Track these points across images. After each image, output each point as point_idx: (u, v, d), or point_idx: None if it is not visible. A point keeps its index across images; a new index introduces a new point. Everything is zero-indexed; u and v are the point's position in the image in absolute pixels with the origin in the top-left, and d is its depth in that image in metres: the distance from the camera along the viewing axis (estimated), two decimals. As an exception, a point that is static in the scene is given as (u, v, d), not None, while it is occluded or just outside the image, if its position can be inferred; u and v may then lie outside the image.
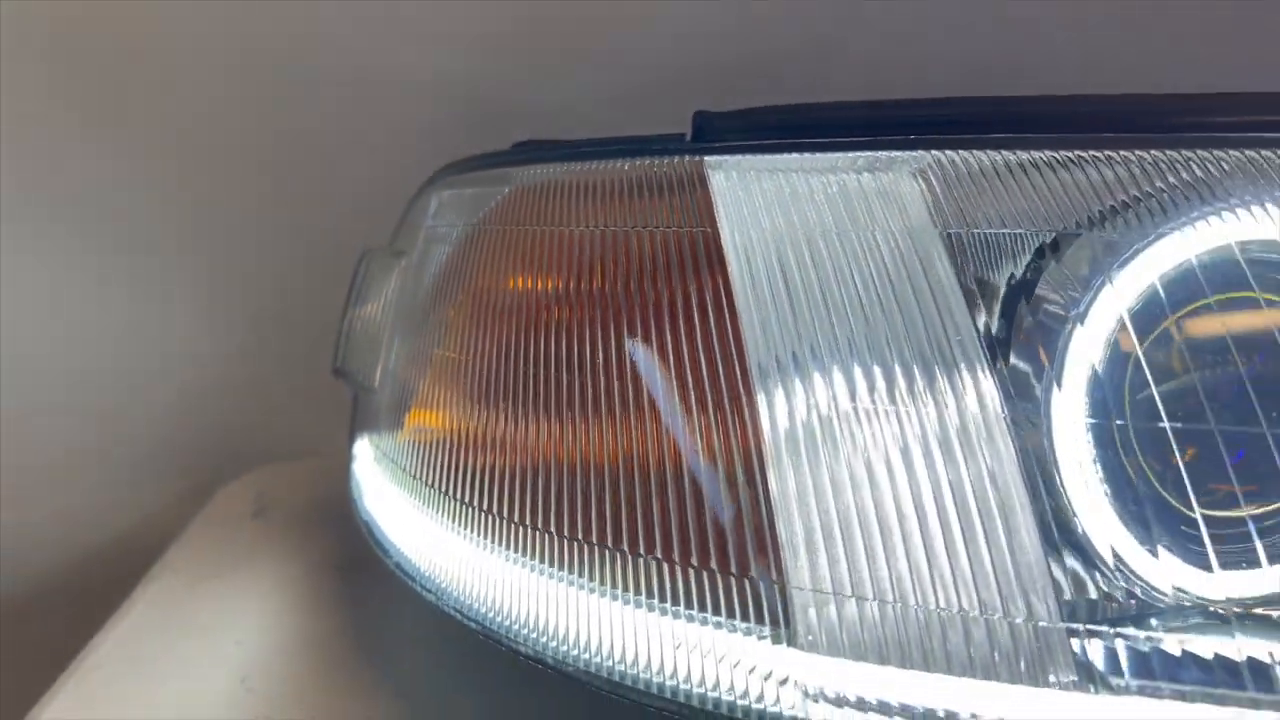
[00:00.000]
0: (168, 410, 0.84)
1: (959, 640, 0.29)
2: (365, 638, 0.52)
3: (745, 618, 0.31)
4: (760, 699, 0.31)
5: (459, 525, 0.41)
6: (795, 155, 0.38)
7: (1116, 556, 0.31)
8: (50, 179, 0.76)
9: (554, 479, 0.37)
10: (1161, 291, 0.32)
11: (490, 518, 0.39)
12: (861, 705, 0.30)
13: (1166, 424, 0.31)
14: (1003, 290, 0.34)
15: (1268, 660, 0.29)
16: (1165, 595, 0.29)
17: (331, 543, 0.62)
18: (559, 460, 0.37)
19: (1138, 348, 0.31)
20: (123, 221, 0.79)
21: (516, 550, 0.38)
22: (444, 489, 0.42)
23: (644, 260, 0.39)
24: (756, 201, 0.38)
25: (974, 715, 0.28)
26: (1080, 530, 0.32)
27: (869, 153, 0.37)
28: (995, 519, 0.30)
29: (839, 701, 0.30)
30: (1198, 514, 0.29)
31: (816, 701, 0.30)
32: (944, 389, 0.32)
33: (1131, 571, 0.31)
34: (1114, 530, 0.32)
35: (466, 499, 0.40)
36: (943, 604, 0.30)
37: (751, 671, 0.31)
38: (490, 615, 0.38)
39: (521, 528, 0.37)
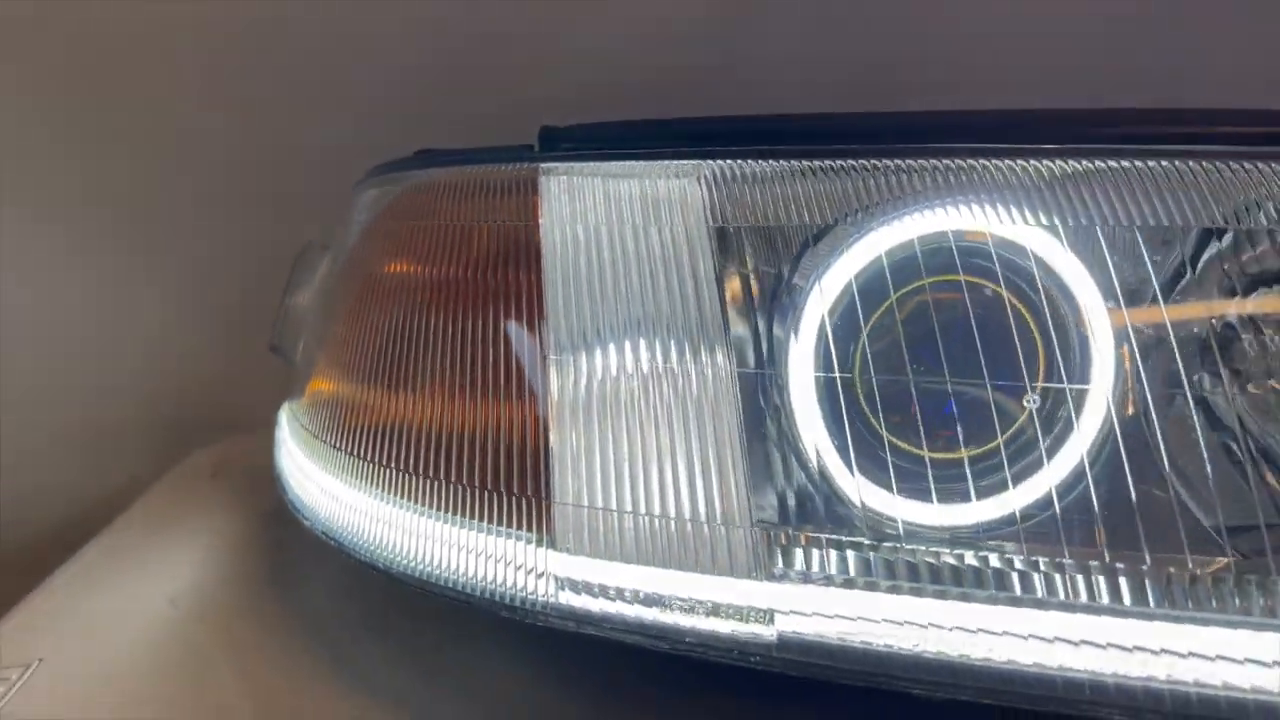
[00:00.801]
0: (154, 393, 0.94)
1: (675, 543, 0.37)
2: (280, 571, 0.60)
3: (518, 526, 0.40)
4: (523, 589, 0.39)
5: (329, 465, 0.49)
6: (610, 164, 0.46)
7: (822, 479, 0.39)
8: (38, 181, 0.87)
9: (398, 427, 0.45)
10: (855, 281, 0.40)
11: (350, 459, 0.48)
12: (599, 592, 0.38)
13: (837, 375, 0.39)
14: (765, 275, 0.42)
15: (914, 562, 0.37)
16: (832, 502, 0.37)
17: (271, 498, 0.71)
18: (402, 413, 0.46)
19: (829, 320, 0.39)
20: (112, 224, 0.90)
21: (364, 481, 0.46)
22: (323, 438, 0.51)
23: (483, 250, 0.48)
24: (575, 203, 0.46)
25: (676, 595, 0.36)
26: (800, 463, 0.40)
27: (665, 161, 0.45)
28: (711, 459, 0.38)
29: (579, 589, 0.38)
30: (852, 452, 0.37)
31: (564, 589, 0.38)
32: (689, 360, 0.40)
33: (828, 490, 0.39)
34: (828, 459, 0.40)
35: (336, 444, 0.49)
36: (662, 515, 0.38)
37: (519, 568, 0.39)
38: (343, 532, 0.46)
39: (370, 464, 0.46)
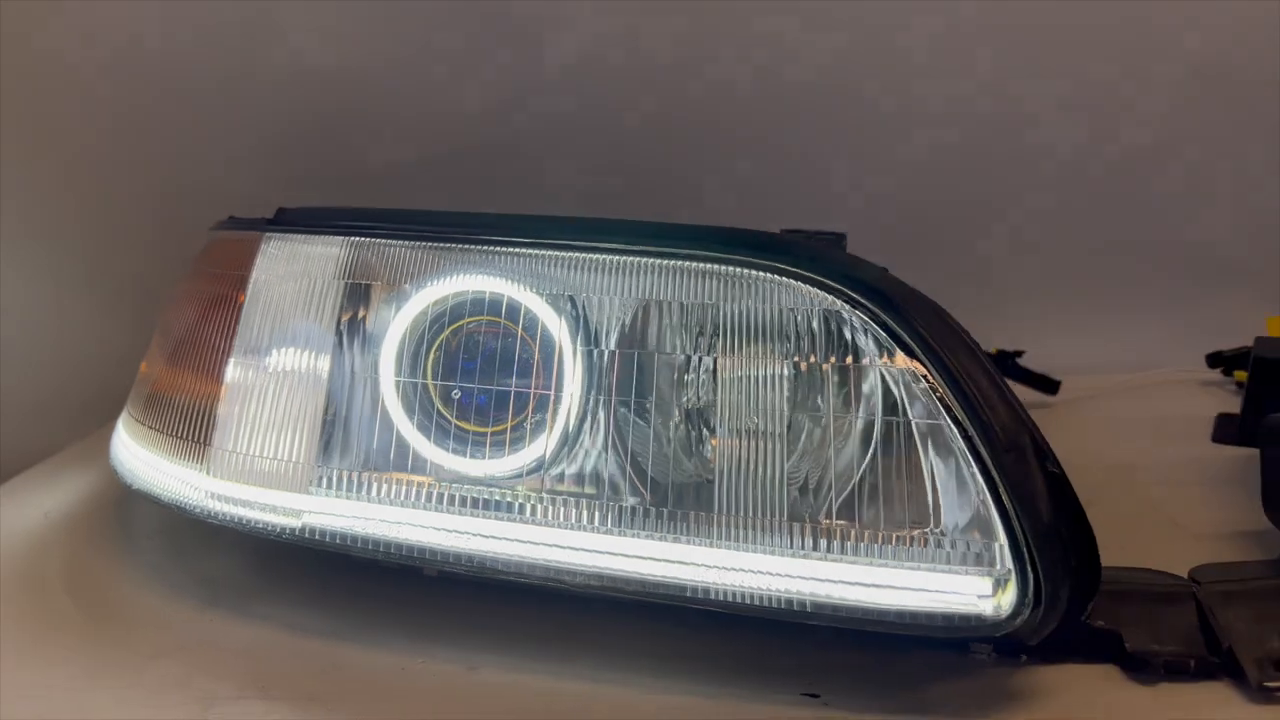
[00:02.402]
0: (86, 382, 1.23)
1: (270, 473, 0.63)
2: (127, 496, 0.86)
3: (192, 460, 0.66)
4: (192, 500, 0.65)
5: (125, 422, 0.76)
6: (302, 234, 0.71)
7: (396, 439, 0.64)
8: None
9: (149, 395, 0.72)
10: (424, 318, 0.64)
11: (129, 418, 0.74)
12: (223, 500, 0.63)
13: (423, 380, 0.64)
14: (371, 311, 0.67)
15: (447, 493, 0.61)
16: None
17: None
18: (157, 385, 0.72)
19: (408, 342, 0.64)
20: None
21: (132, 432, 0.73)
22: (127, 405, 0.77)
23: (226, 285, 0.74)
24: (275, 258, 0.71)
25: (258, 501, 0.62)
26: (383, 429, 0.64)
27: (327, 235, 0.70)
28: (301, 426, 0.63)
29: (216, 499, 0.64)
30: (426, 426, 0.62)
31: (209, 499, 0.64)
32: (308, 365, 0.65)
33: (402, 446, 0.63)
34: (403, 428, 0.64)
35: (129, 409, 0.76)
36: (269, 456, 0.63)
37: (190, 487, 0.65)
38: (120, 465, 0.73)
39: (134, 420, 0.73)
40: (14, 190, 1.16)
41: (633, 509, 0.59)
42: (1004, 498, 0.50)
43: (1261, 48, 1.03)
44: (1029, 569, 0.49)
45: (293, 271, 0.70)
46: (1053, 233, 1.09)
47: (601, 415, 0.62)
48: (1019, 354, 1.03)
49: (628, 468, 0.61)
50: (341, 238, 0.69)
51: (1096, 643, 0.55)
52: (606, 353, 0.62)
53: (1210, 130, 1.07)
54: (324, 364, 0.66)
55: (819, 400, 0.55)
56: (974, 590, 0.50)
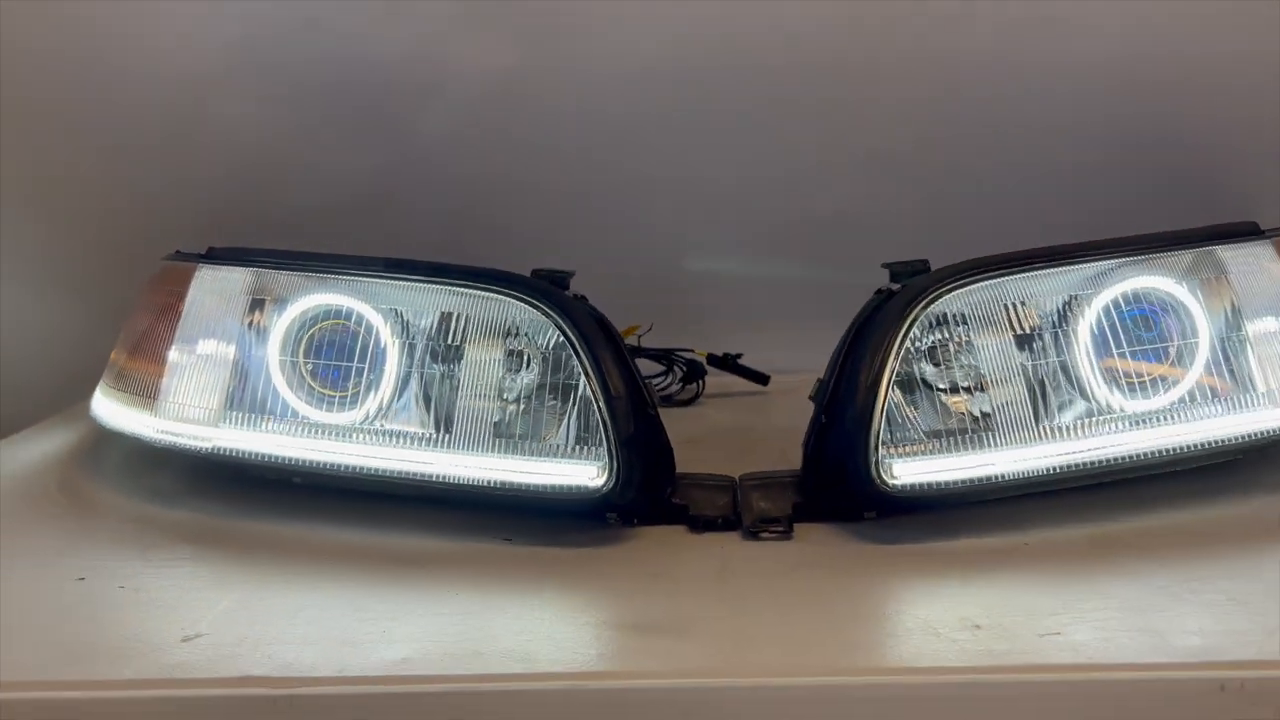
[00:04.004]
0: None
1: (194, 414, 1.00)
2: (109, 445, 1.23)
3: (145, 409, 1.04)
4: (144, 433, 1.03)
5: (102, 392, 1.14)
6: (223, 265, 1.10)
7: (279, 399, 1.02)
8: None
9: (119, 370, 1.10)
10: (296, 320, 1.03)
11: (104, 384, 1.12)
12: (164, 432, 1.01)
13: (297, 359, 1.02)
14: (264, 317, 1.05)
15: (314, 425, 1.00)
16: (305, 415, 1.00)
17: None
18: (123, 363, 1.10)
19: (289, 335, 1.02)
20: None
21: (104, 392, 1.11)
22: (103, 380, 1.15)
23: (171, 297, 1.12)
24: (206, 281, 1.10)
25: (186, 434, 1.00)
26: (271, 393, 1.02)
27: (238, 266, 1.08)
28: (216, 390, 1.01)
29: (161, 432, 1.02)
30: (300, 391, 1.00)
31: (157, 433, 1.02)
32: (218, 351, 1.03)
33: (282, 403, 1.01)
34: (283, 390, 1.02)
35: (104, 382, 1.13)
36: (193, 405, 1.01)
37: (143, 425, 1.03)
38: (97, 412, 1.11)
39: (112, 390, 1.10)
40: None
41: (424, 436, 0.98)
42: (607, 423, 0.90)
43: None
44: (616, 463, 0.89)
45: (215, 290, 1.08)
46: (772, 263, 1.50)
47: (412, 383, 1.00)
48: (739, 355, 1.43)
49: (428, 414, 0.99)
50: (246, 268, 1.08)
51: (674, 512, 0.95)
52: (416, 344, 1.01)
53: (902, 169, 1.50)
54: (232, 349, 1.04)
55: (520, 368, 0.95)
56: (587, 475, 0.90)
